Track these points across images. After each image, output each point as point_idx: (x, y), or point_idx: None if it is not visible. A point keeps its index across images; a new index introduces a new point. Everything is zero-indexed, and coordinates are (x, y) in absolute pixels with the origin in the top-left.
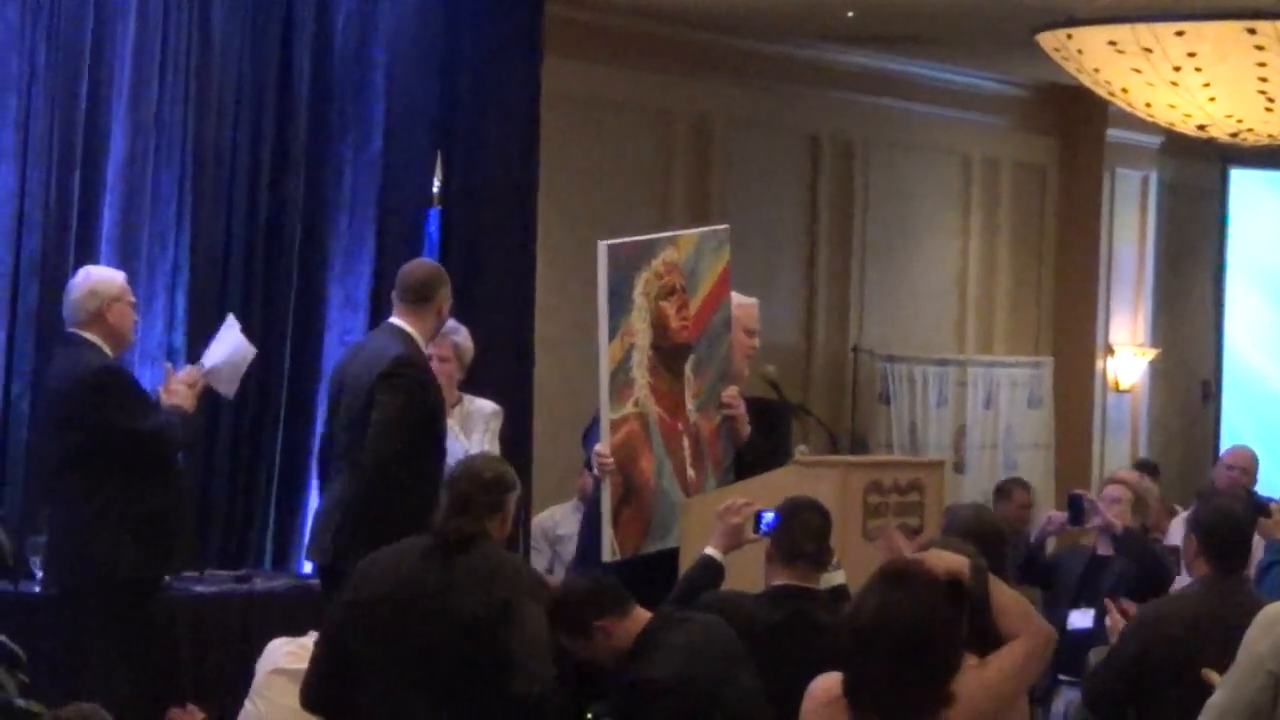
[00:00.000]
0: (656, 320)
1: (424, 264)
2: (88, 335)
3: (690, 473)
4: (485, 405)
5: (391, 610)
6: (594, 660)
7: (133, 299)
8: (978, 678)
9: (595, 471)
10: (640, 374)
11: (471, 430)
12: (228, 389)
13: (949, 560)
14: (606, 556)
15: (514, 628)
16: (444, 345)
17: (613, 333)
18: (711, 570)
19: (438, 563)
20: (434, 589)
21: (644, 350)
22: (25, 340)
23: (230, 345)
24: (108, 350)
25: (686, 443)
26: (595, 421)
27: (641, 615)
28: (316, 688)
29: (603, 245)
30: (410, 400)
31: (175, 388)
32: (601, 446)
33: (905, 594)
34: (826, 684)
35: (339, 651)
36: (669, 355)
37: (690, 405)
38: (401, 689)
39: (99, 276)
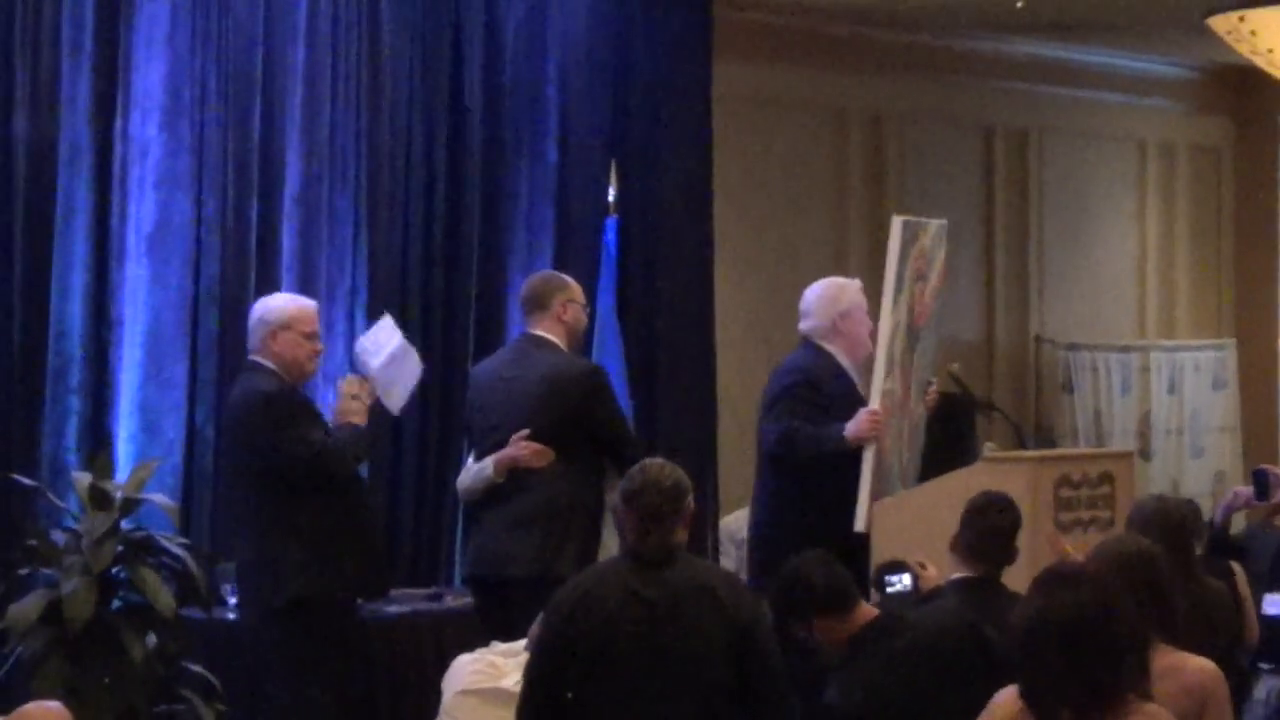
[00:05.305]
0: (911, 302)
1: (538, 275)
2: (263, 361)
3: (905, 456)
4: None
5: (614, 646)
6: (808, 643)
7: (308, 329)
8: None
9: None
10: (898, 353)
11: None
12: (396, 403)
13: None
14: (859, 526)
15: (754, 653)
16: None
17: (894, 306)
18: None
19: (651, 589)
20: (656, 620)
21: (903, 329)
22: (207, 368)
23: (395, 351)
24: (284, 376)
25: (906, 427)
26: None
27: (863, 614)
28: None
29: (897, 220)
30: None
31: (346, 405)
32: (875, 404)
33: (1064, 592)
34: (1005, 698)
35: (553, 683)
36: (910, 337)
37: (913, 390)
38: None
39: (271, 305)
